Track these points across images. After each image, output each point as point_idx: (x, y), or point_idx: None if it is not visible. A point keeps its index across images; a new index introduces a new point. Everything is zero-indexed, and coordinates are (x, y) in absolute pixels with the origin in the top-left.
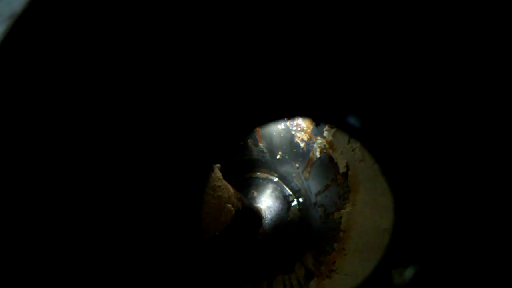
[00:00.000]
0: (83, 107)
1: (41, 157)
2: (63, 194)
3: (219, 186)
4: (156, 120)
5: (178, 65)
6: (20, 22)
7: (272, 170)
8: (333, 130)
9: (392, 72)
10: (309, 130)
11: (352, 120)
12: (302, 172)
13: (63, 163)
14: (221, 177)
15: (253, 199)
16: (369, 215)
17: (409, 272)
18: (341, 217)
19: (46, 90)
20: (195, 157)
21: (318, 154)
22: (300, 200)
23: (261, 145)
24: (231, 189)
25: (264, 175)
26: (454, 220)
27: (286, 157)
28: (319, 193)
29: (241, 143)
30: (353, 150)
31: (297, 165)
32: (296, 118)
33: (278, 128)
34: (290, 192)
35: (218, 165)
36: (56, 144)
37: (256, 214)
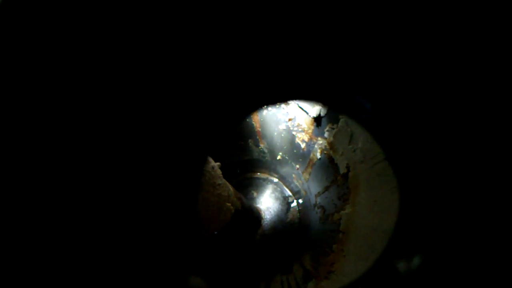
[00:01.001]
0: (77, 95)
1: (39, 157)
2: (59, 192)
3: (219, 184)
4: (146, 107)
5: (168, 48)
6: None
7: (272, 170)
8: (334, 131)
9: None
10: (310, 131)
11: (364, 105)
12: (302, 173)
13: (57, 160)
14: (221, 175)
15: (252, 199)
16: (369, 216)
17: (416, 261)
18: (340, 219)
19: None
20: (189, 146)
21: (318, 155)
22: (300, 201)
23: (261, 145)
24: (231, 188)
25: (264, 176)
26: (460, 214)
27: (287, 157)
28: (319, 194)
29: (242, 143)
30: (354, 151)
31: (298, 166)
32: (300, 112)
33: (279, 128)
34: (290, 193)
35: (218, 163)
36: (51, 139)
37: (256, 214)
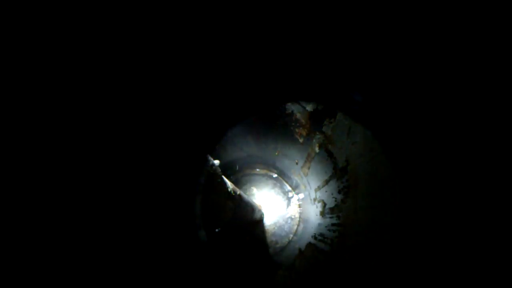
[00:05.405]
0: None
1: (40, 157)
2: (61, 193)
3: (219, 183)
4: (149, 111)
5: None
6: None
7: (271, 166)
8: (332, 124)
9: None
10: (307, 125)
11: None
12: (301, 167)
13: (58, 160)
14: (220, 173)
15: (252, 195)
16: (369, 209)
17: (415, 253)
18: (341, 212)
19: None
20: (190, 147)
21: (317, 149)
22: (300, 195)
23: (259, 141)
24: (231, 186)
25: (264, 172)
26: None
27: (285, 153)
28: (318, 188)
29: (240, 139)
30: (352, 144)
31: (296, 161)
32: (295, 109)
33: (277, 123)
34: (290, 188)
35: (217, 161)
36: (53, 141)
37: (256, 210)
